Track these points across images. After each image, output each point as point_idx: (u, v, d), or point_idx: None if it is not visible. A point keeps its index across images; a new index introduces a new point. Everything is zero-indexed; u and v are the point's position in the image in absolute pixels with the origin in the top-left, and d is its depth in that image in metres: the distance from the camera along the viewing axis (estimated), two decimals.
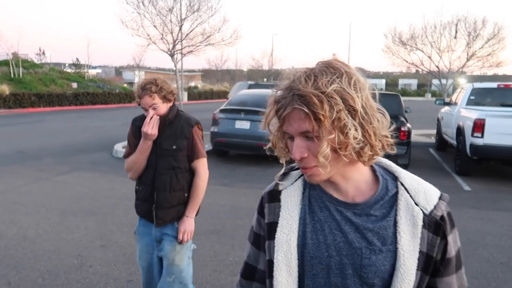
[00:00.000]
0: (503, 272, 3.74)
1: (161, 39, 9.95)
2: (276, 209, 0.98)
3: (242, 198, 5.99)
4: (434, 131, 12.14)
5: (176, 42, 10.10)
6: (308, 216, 0.95)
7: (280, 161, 0.99)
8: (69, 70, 42.69)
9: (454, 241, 0.92)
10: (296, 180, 0.99)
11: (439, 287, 0.93)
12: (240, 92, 10.64)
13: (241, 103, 8.79)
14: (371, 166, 0.96)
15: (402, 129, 7.77)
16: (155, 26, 9.90)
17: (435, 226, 0.89)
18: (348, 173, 0.92)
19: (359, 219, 0.91)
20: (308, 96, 0.80)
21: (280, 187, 1.01)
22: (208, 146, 9.59)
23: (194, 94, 37.14)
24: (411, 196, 0.91)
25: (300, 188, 0.98)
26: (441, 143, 10.49)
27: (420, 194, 0.91)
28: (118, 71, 66.71)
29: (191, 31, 10.38)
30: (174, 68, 10.46)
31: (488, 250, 4.21)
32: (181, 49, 10.52)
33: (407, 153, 7.88)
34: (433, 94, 43.60)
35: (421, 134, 13.22)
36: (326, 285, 0.92)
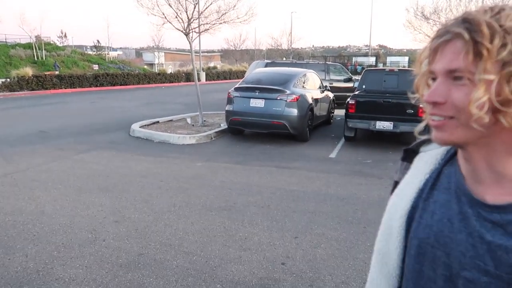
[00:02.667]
0: None
1: (176, 17, 9.86)
2: (405, 169, 0.88)
3: (255, 176, 5.99)
4: None
5: (191, 20, 10.00)
6: (427, 191, 0.80)
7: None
8: (90, 52, 43.27)
9: None
10: (442, 148, 0.83)
11: None
12: (255, 70, 10.54)
13: (256, 82, 8.72)
14: None
15: (421, 105, 7.56)
16: (169, 5, 9.80)
17: None
18: (495, 159, 0.69)
19: (480, 224, 0.70)
20: (477, 22, 0.62)
21: (421, 148, 0.86)
22: (224, 125, 9.62)
23: (212, 74, 37.08)
24: None
25: (438, 158, 0.82)
26: None
27: None
28: (139, 52, 67.15)
29: (206, 8, 10.25)
30: (190, 48, 10.39)
31: None
32: (198, 26, 10.42)
33: (426, 131, 7.69)
34: None
35: None
36: (419, 273, 0.79)
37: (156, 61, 53.39)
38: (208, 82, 33.53)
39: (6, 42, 35.95)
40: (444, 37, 0.66)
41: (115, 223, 4.17)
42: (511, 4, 0.65)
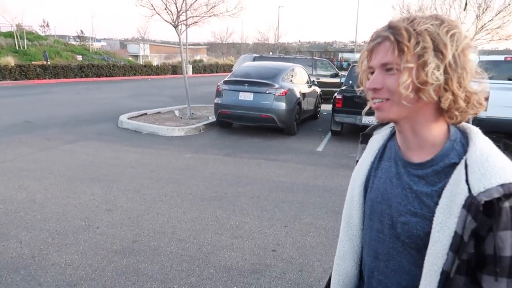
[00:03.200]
0: None
1: (165, 9, 9.83)
2: (363, 150, 1.11)
3: (244, 168, 6.10)
4: None
5: (180, 12, 9.99)
6: (377, 162, 1.04)
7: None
8: (73, 43, 42.43)
9: None
10: (388, 129, 1.07)
11: (483, 285, 0.84)
12: (244, 64, 10.60)
13: (245, 75, 8.79)
14: (449, 131, 0.92)
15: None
16: None
17: (475, 210, 0.80)
18: (419, 128, 0.91)
19: (409, 178, 0.93)
20: (398, 28, 0.85)
21: (374, 132, 1.10)
22: (212, 118, 9.68)
23: (199, 67, 36.90)
24: (466, 172, 0.84)
25: (384, 137, 1.06)
26: None
27: (476, 172, 0.82)
28: (123, 44, 66.15)
29: (195, 1, 10.25)
30: (179, 41, 10.38)
31: None
32: (186, 19, 10.41)
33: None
34: None
35: None
36: (371, 228, 1.02)
37: (141, 53, 52.72)
38: (194, 75, 33.37)
39: None
40: (376, 40, 0.88)
41: (107, 212, 4.23)
42: (422, 14, 0.90)
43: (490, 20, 14.98)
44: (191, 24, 10.88)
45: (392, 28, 0.86)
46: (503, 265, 0.81)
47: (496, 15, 14.92)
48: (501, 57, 9.00)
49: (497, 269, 0.81)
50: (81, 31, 44.56)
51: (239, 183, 5.33)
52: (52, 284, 2.89)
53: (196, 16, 10.73)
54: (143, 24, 53.55)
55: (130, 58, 44.87)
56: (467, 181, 0.83)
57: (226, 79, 8.88)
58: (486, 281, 0.83)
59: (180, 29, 10.29)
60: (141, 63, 36.98)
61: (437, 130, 0.90)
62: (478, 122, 7.02)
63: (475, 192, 0.80)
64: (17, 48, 29.97)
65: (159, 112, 11.08)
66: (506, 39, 15.62)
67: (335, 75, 14.68)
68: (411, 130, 0.92)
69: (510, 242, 0.80)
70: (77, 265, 3.15)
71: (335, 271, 1.14)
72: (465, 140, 0.90)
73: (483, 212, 0.80)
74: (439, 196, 0.87)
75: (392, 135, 1.04)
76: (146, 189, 4.97)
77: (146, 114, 10.67)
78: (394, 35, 0.84)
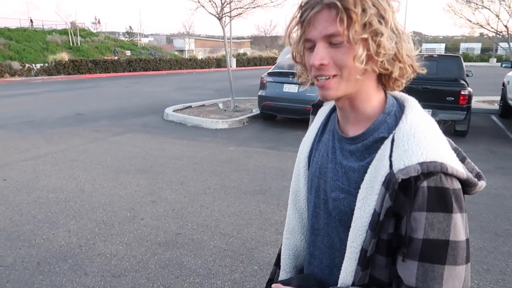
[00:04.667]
0: None
1: (209, 1, 9.82)
2: (312, 120, 1.06)
3: (288, 161, 5.94)
4: (498, 98, 11.24)
5: (224, 4, 9.94)
6: (319, 135, 0.99)
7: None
8: (123, 39, 44.06)
9: (428, 224, 0.72)
10: None
11: (397, 266, 0.78)
12: (289, 55, 10.38)
13: (289, 67, 8.58)
14: (386, 102, 0.85)
15: (462, 92, 7.23)
16: None
17: (393, 187, 0.73)
18: (358, 103, 0.84)
19: (341, 154, 0.88)
20: None
21: (324, 102, 1.03)
22: (256, 110, 9.57)
23: (243, 61, 37.00)
24: (392, 146, 0.77)
25: (329, 108, 1.01)
26: (505, 110, 9.69)
27: (400, 147, 0.75)
28: (169, 39, 67.85)
29: None
30: (223, 33, 10.34)
31: None
32: (230, 11, 10.34)
33: (466, 119, 7.36)
34: (499, 58, 40.05)
35: (483, 101, 12.30)
36: (310, 202, 0.99)
37: (187, 47, 53.77)
38: (238, 68, 33.50)
39: (43, 28, 37.13)
40: (316, 8, 0.74)
41: (152, 203, 4.24)
42: None
43: None
44: (235, 16, 10.81)
45: None
46: (414, 247, 0.74)
47: None
48: None
49: (407, 250, 0.75)
50: (130, 27, 46.25)
51: (284, 176, 5.19)
52: (97, 274, 2.90)
53: (240, 8, 10.65)
54: (188, 18, 54.52)
55: (176, 53, 45.92)
56: (390, 156, 0.76)
57: (270, 71, 8.73)
58: (398, 263, 0.78)
59: (224, 21, 10.24)
60: (187, 57, 37.65)
61: (376, 103, 0.84)
62: None
63: (395, 169, 0.74)
64: (71, 44, 31.55)
65: (203, 105, 11.15)
66: None
67: None
68: (350, 106, 0.85)
69: (424, 224, 0.73)
70: (122, 256, 3.15)
71: (285, 245, 1.10)
72: (400, 113, 0.82)
73: (402, 190, 0.74)
74: (365, 171, 0.81)
75: (335, 106, 0.95)
76: (190, 181, 4.95)
77: (190, 106, 10.76)
78: (341, 2, 0.72)
